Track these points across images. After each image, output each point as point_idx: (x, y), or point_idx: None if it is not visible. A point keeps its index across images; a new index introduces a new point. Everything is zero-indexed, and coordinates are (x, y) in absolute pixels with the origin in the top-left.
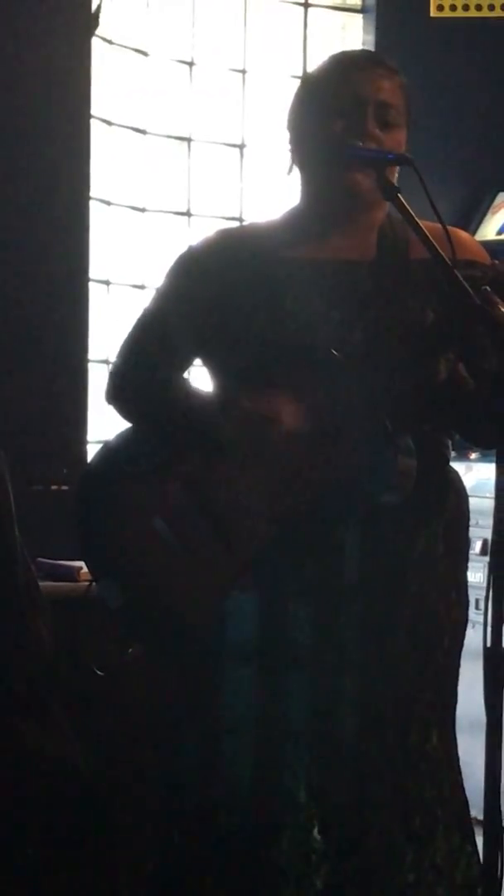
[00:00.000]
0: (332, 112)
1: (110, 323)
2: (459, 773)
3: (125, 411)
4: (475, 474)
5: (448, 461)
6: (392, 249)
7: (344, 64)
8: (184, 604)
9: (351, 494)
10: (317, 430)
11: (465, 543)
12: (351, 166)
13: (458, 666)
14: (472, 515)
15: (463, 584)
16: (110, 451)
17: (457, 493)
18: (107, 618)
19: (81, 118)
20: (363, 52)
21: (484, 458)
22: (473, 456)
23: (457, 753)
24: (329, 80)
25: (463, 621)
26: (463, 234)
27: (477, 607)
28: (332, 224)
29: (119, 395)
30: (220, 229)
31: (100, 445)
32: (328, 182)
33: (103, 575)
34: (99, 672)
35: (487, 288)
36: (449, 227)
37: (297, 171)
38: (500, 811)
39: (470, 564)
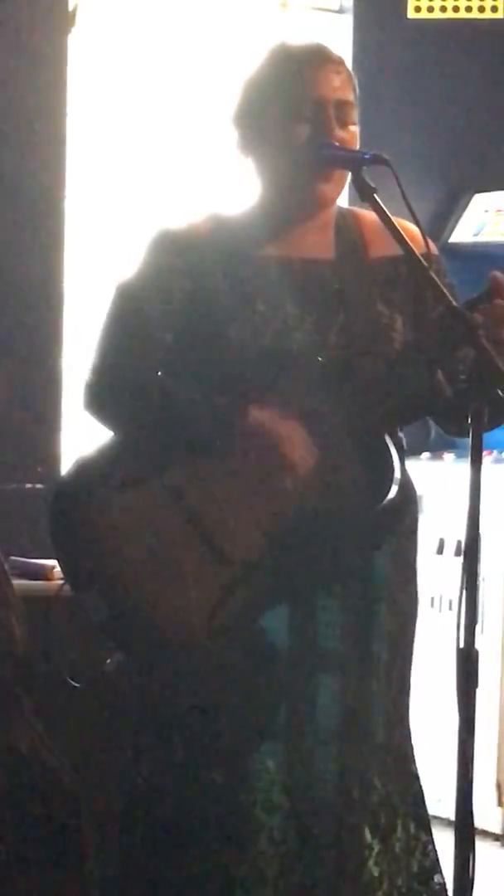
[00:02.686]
0: (294, 117)
1: (86, 320)
2: (415, 761)
3: (107, 417)
4: (449, 474)
5: (405, 457)
6: (350, 247)
7: (295, 62)
8: (174, 617)
9: (344, 503)
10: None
11: (418, 541)
12: (318, 174)
13: (412, 658)
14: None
15: (417, 579)
16: (86, 466)
17: (414, 492)
18: (85, 627)
19: (58, 118)
20: (309, 46)
21: (458, 459)
22: (447, 457)
23: (412, 743)
24: (284, 80)
25: (418, 615)
26: (409, 225)
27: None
28: (293, 222)
29: (100, 399)
30: (195, 220)
31: (74, 442)
32: (293, 188)
33: (84, 589)
34: (74, 683)
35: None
36: (397, 220)
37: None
38: (471, 811)
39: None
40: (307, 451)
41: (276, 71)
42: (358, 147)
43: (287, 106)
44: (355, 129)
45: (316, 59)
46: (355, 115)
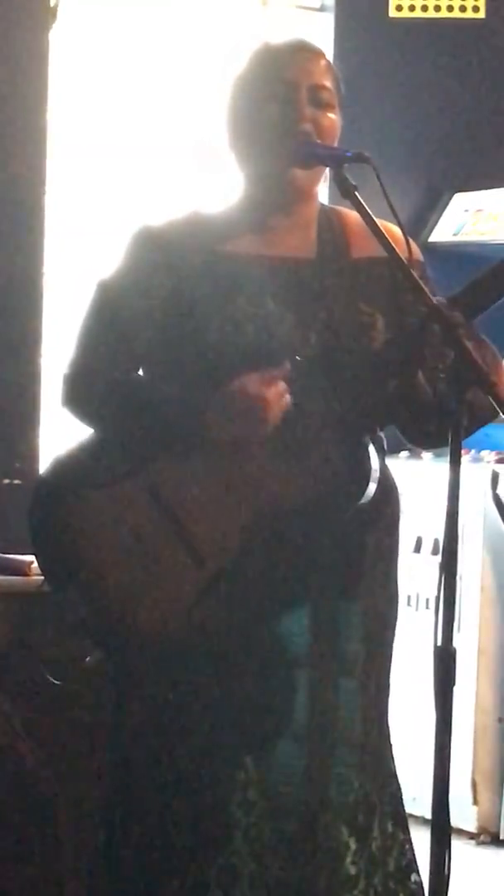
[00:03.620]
0: (266, 98)
1: (64, 314)
2: (393, 760)
3: (85, 414)
4: (427, 473)
5: (385, 457)
6: (332, 246)
7: (270, 53)
8: (149, 615)
9: (324, 501)
10: (284, 436)
11: (398, 540)
12: (290, 161)
13: (392, 657)
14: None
15: (398, 579)
16: (65, 463)
17: (395, 491)
18: (65, 624)
19: (39, 113)
20: (291, 40)
21: (437, 458)
22: (426, 456)
23: (390, 742)
24: (259, 70)
25: (398, 614)
26: (393, 228)
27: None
28: (273, 216)
29: (77, 395)
30: (176, 216)
31: (53, 438)
32: (268, 176)
33: (62, 587)
34: (54, 681)
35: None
36: (379, 221)
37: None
38: (448, 810)
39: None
40: (282, 400)
41: (254, 65)
42: (338, 136)
43: (260, 89)
44: (334, 116)
45: (293, 47)
46: (334, 101)
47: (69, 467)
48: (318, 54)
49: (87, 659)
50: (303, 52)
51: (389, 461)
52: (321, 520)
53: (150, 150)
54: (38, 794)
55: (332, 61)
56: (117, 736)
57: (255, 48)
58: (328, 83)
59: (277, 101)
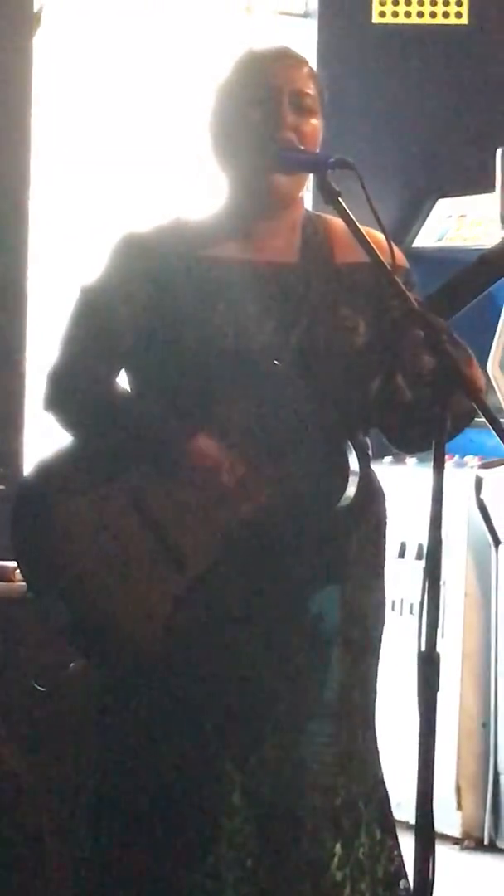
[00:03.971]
0: (248, 103)
1: (48, 318)
2: (381, 767)
3: (65, 420)
4: (411, 478)
5: (370, 462)
6: (316, 251)
7: (256, 59)
8: (130, 620)
9: (303, 504)
10: (264, 440)
11: (385, 545)
12: (273, 166)
13: (378, 662)
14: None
15: (384, 585)
16: (47, 469)
17: (380, 494)
18: (48, 632)
19: (23, 118)
20: (274, 46)
21: (420, 463)
22: (409, 461)
23: (378, 748)
24: (241, 76)
25: (384, 620)
26: (377, 235)
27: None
28: (256, 222)
29: (59, 401)
30: (159, 222)
31: (36, 444)
32: (250, 181)
33: (45, 593)
34: (39, 687)
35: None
36: (363, 228)
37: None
38: (432, 815)
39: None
40: (247, 479)
41: (236, 71)
42: (320, 142)
43: (242, 95)
44: (317, 122)
45: (277, 54)
46: (317, 107)
47: (51, 472)
48: (301, 61)
49: (71, 665)
50: (285, 58)
51: (374, 466)
52: (302, 523)
53: (133, 155)
54: (21, 800)
55: (315, 67)
56: (101, 741)
57: (238, 55)
58: (311, 89)
59: (259, 106)
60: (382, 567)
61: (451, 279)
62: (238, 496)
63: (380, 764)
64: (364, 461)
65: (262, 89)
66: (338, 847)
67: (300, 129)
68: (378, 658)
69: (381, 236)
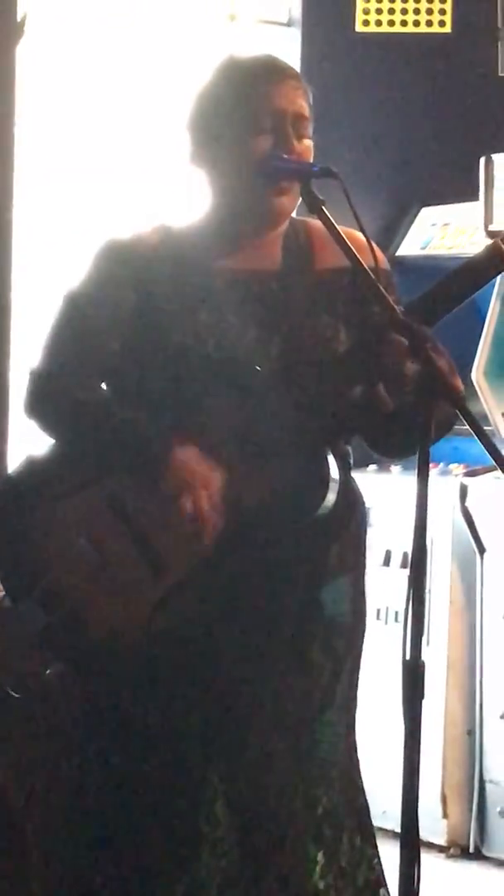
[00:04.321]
0: (255, 130)
1: (32, 323)
2: (360, 774)
3: (47, 424)
4: (395, 486)
5: (351, 470)
6: (298, 257)
7: (251, 74)
8: (109, 625)
9: (283, 511)
10: (245, 447)
11: (365, 552)
12: (276, 188)
13: (359, 671)
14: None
15: (364, 593)
16: (25, 474)
17: (360, 502)
18: (24, 637)
19: (6, 127)
20: (263, 59)
21: (405, 471)
22: (394, 469)
23: (358, 756)
24: (243, 94)
25: (366, 628)
26: (357, 235)
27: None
28: (245, 234)
29: (42, 406)
30: (143, 230)
31: (16, 448)
32: (251, 202)
33: (22, 598)
34: (14, 694)
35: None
36: (344, 230)
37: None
38: (417, 823)
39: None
40: (213, 505)
41: (233, 84)
42: (311, 161)
43: (247, 119)
44: (309, 143)
45: (275, 73)
46: (310, 129)
47: (30, 477)
48: (297, 78)
49: (48, 671)
50: (283, 76)
51: (358, 475)
52: (282, 530)
53: (117, 163)
54: (4, 812)
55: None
56: (82, 748)
57: (227, 65)
58: (307, 111)
59: (267, 133)
60: (363, 575)
61: (434, 286)
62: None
63: (359, 772)
64: (345, 469)
65: (268, 117)
66: (320, 855)
67: (300, 153)
68: (359, 666)
69: (361, 237)
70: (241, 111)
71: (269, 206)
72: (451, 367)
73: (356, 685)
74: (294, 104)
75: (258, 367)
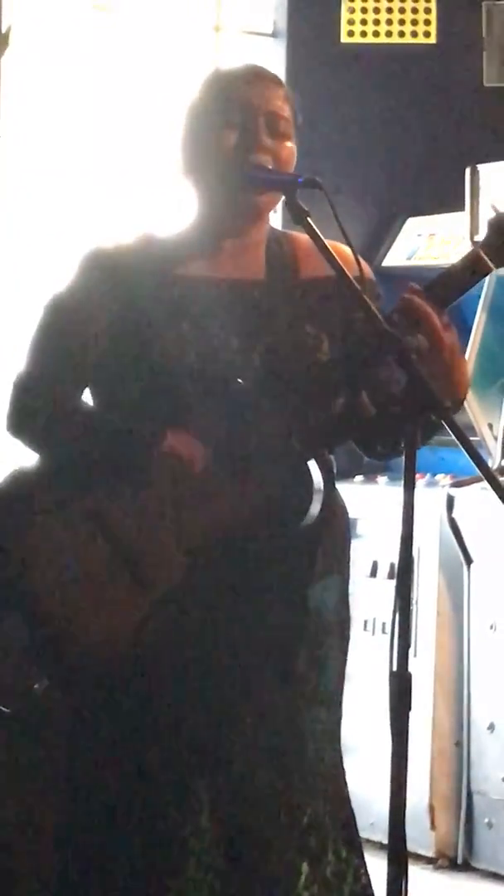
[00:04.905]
0: (223, 125)
1: (14, 332)
2: (346, 785)
3: (30, 438)
4: (382, 497)
5: (334, 480)
6: (281, 267)
7: (229, 78)
8: (95, 640)
9: (266, 522)
10: (228, 458)
11: (349, 563)
12: (244, 188)
13: (344, 682)
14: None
15: (348, 603)
16: (9, 488)
17: (344, 513)
18: (10, 652)
19: None
20: (247, 65)
21: (391, 482)
22: (380, 480)
23: (343, 767)
24: (216, 95)
25: (350, 638)
26: (343, 248)
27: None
28: (224, 239)
29: (24, 418)
30: (126, 239)
31: (6, 460)
32: (220, 200)
33: (8, 612)
34: (4, 708)
35: (395, 315)
36: (330, 242)
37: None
38: (404, 835)
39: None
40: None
41: (211, 89)
42: (294, 167)
43: (217, 115)
44: (291, 145)
45: (251, 74)
46: (291, 131)
47: (14, 492)
48: (276, 82)
49: (35, 686)
50: (261, 78)
51: (344, 485)
52: (266, 542)
53: (102, 173)
54: None
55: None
56: (69, 762)
57: (207, 74)
58: (286, 112)
59: (234, 128)
60: (347, 585)
61: (447, 269)
62: (206, 504)
63: (345, 782)
64: (328, 479)
65: (237, 110)
66: (305, 866)
67: (276, 152)
68: (344, 676)
69: (347, 249)
70: (214, 108)
71: (247, 200)
72: (458, 348)
73: (340, 695)
74: (269, 103)
75: (240, 379)
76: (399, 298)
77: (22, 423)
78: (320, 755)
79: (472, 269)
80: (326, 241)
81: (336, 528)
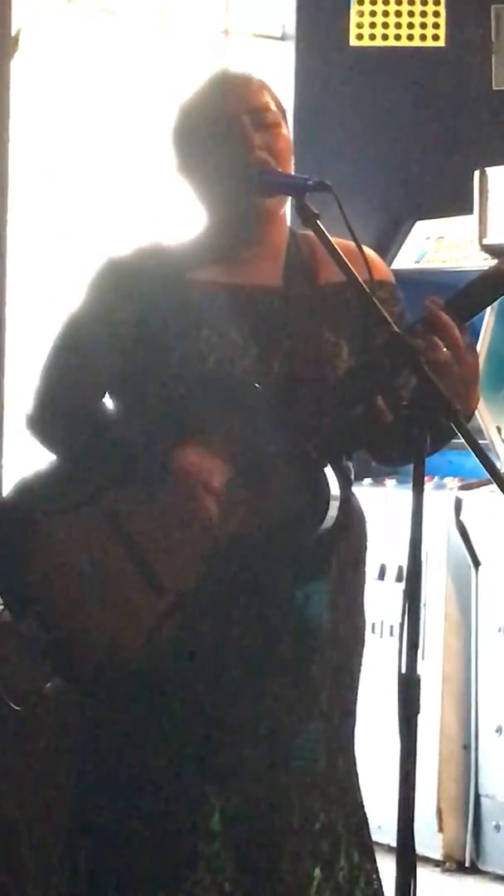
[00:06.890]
0: (212, 138)
1: (28, 339)
2: (359, 790)
3: (50, 440)
4: (390, 500)
5: (351, 486)
6: (301, 273)
7: (215, 84)
8: (111, 643)
9: (283, 528)
10: (245, 465)
11: (365, 568)
12: (253, 192)
13: (358, 686)
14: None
15: (363, 609)
16: (26, 489)
17: (361, 518)
18: (24, 652)
19: (1, 142)
20: (212, 77)
21: (400, 485)
22: (389, 483)
23: (357, 771)
24: (206, 104)
25: (364, 644)
26: (373, 254)
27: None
28: (240, 245)
29: (44, 421)
30: (142, 246)
31: (14, 464)
32: (230, 208)
33: (22, 614)
34: (15, 707)
35: (419, 326)
36: (343, 243)
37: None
38: (413, 838)
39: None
40: (217, 499)
41: (201, 96)
42: (291, 153)
43: (208, 128)
44: (286, 132)
45: (233, 79)
46: (279, 118)
47: (30, 493)
48: (248, 78)
49: (47, 686)
50: (232, 80)
51: (353, 489)
52: (282, 547)
53: (113, 179)
54: (1, 821)
55: (293, 90)
56: (81, 764)
57: (202, 79)
58: (267, 103)
59: (224, 138)
60: (362, 590)
61: (468, 283)
62: (217, 519)
63: (359, 787)
64: (345, 485)
65: (221, 120)
66: (317, 871)
67: (270, 146)
68: (357, 682)
69: (366, 250)
70: (205, 121)
71: (256, 205)
72: (475, 366)
73: (355, 701)
74: (248, 99)
75: (258, 385)
76: (424, 308)
77: (41, 425)
78: (333, 760)
79: (493, 285)
80: (343, 241)
81: (352, 533)
